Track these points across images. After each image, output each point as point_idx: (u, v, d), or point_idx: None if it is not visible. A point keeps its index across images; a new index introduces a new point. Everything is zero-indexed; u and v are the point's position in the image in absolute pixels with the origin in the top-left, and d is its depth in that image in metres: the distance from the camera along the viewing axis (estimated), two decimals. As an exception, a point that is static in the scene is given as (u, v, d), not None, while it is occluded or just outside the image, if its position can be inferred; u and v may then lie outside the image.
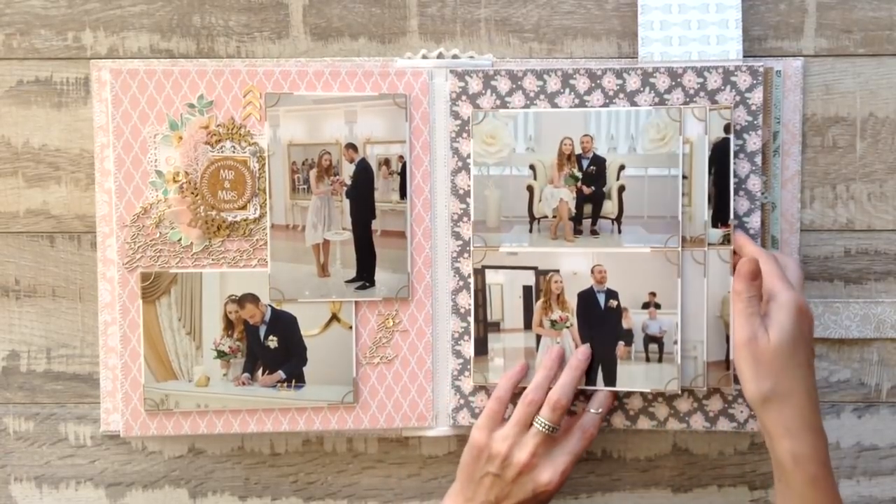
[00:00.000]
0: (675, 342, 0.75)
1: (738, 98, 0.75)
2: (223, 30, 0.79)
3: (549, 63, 0.78)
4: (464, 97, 0.77)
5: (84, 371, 0.80)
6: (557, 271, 0.76)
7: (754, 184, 0.76)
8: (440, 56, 0.78)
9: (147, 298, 0.76)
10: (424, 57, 0.78)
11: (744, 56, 0.77)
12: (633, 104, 0.76)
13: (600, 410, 0.75)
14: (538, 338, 0.77)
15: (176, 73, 0.76)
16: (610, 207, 0.76)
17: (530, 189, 0.76)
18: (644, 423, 0.77)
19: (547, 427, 0.72)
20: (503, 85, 0.76)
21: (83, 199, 0.79)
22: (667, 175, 0.75)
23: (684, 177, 0.75)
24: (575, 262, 0.76)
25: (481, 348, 0.77)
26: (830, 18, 0.78)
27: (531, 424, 0.73)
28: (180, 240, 0.76)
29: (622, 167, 0.76)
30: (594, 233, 0.76)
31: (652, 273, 0.75)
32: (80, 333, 0.80)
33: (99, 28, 0.79)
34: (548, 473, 0.72)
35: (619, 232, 0.76)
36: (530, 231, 0.76)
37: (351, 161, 0.76)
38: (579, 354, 0.75)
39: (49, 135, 0.79)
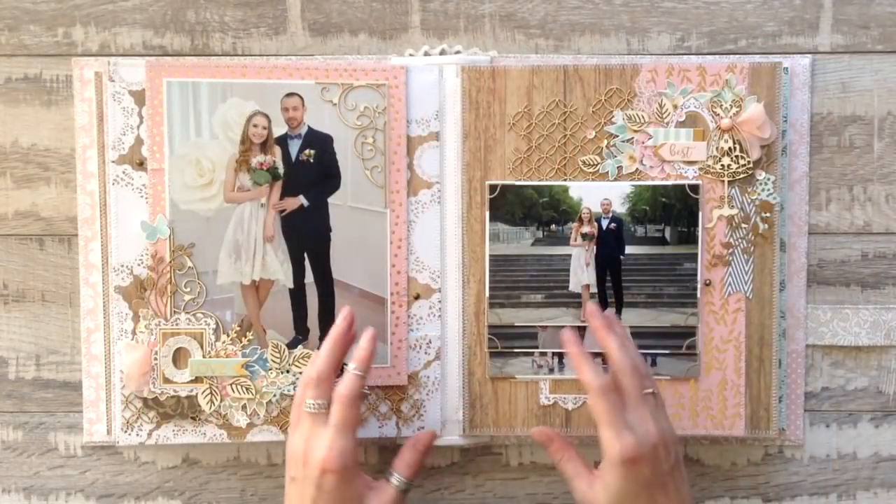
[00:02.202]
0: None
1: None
2: (218, 25, 0.77)
3: (551, 59, 0.76)
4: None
5: (74, 379, 0.78)
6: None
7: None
8: (443, 53, 0.77)
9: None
10: (426, 54, 0.77)
11: (758, 53, 0.75)
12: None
13: (355, 367, 0.68)
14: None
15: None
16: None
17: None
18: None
19: (311, 406, 0.67)
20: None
21: (74, 201, 0.77)
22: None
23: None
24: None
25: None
26: (847, 14, 0.76)
27: None
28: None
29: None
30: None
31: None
32: (70, 340, 0.78)
33: (90, 24, 0.77)
34: (317, 454, 0.66)
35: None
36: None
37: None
38: (339, 319, 0.70)
39: (38, 134, 0.77)
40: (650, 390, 0.67)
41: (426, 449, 0.72)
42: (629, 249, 0.76)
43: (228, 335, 0.76)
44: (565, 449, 0.71)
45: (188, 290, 0.75)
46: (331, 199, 0.76)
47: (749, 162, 0.74)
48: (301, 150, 0.75)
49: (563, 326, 0.76)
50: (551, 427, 0.75)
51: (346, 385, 0.67)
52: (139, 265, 0.75)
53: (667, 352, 0.76)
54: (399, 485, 0.70)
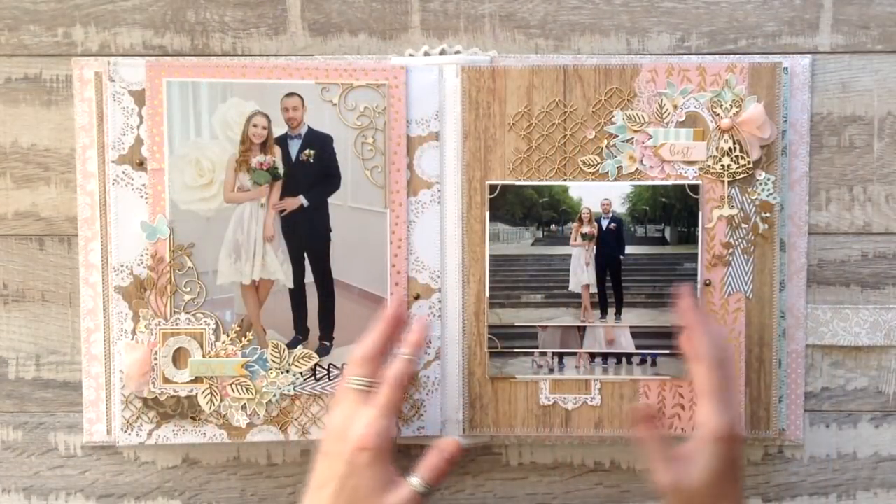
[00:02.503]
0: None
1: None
2: (218, 25, 0.77)
3: (551, 59, 0.76)
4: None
5: (74, 379, 0.78)
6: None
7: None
8: (443, 53, 0.77)
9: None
10: (426, 54, 0.77)
11: (758, 53, 0.75)
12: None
13: (406, 352, 0.68)
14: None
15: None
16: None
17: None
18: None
19: (354, 382, 0.67)
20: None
21: (73, 201, 0.77)
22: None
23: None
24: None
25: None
26: (847, 14, 0.76)
27: None
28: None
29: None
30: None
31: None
32: (69, 339, 0.78)
33: (90, 24, 0.77)
34: (356, 430, 0.65)
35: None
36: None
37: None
38: (391, 304, 0.71)
39: (38, 134, 0.77)
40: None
41: (453, 458, 0.69)
42: (629, 249, 0.76)
43: (228, 335, 0.76)
44: (657, 431, 0.69)
45: (188, 290, 0.75)
46: (331, 199, 0.76)
47: (749, 162, 0.74)
48: (301, 150, 0.75)
49: (562, 327, 0.76)
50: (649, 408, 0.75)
51: (395, 367, 0.67)
52: (139, 265, 0.75)
53: (667, 352, 0.76)
54: (419, 489, 0.67)
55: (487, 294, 0.76)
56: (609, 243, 0.76)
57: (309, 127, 0.75)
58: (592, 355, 0.76)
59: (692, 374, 0.68)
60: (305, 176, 0.75)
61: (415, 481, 0.67)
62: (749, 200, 0.75)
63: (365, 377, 0.67)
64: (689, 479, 0.66)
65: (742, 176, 0.75)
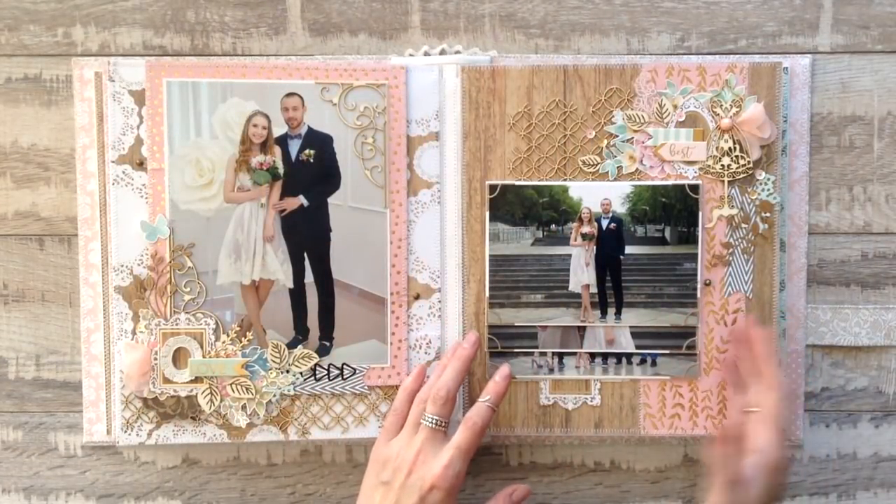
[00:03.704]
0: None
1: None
2: (218, 25, 0.77)
3: (551, 59, 0.76)
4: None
5: (74, 379, 0.78)
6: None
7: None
8: (443, 52, 0.77)
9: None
10: (426, 54, 0.77)
11: (758, 53, 0.75)
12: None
13: (489, 400, 0.71)
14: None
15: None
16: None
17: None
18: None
19: (432, 421, 0.69)
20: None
21: (73, 201, 0.77)
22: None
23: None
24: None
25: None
26: (847, 14, 0.76)
27: None
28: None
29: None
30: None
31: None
32: (69, 340, 0.78)
33: (90, 24, 0.77)
34: (430, 469, 0.67)
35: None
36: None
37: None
38: (465, 343, 0.74)
39: (38, 134, 0.77)
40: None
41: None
42: (629, 249, 0.76)
43: (228, 335, 0.76)
44: (732, 451, 0.69)
45: (188, 290, 0.75)
46: (331, 199, 0.76)
47: (749, 162, 0.74)
48: (301, 150, 0.75)
49: (562, 327, 0.76)
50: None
51: (479, 415, 0.70)
52: (139, 265, 0.75)
53: (667, 352, 0.76)
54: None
55: (487, 294, 0.76)
56: (609, 243, 0.76)
57: (309, 127, 0.75)
58: (592, 355, 0.76)
59: (760, 398, 0.69)
60: (305, 176, 0.75)
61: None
62: (749, 200, 0.75)
63: (441, 416, 0.69)
64: (743, 502, 0.66)
65: (742, 176, 0.75)
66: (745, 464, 0.67)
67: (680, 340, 0.76)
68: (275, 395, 0.76)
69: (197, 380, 0.76)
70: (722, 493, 0.67)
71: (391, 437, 0.71)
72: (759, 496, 0.66)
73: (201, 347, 0.76)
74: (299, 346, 0.76)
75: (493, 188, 0.76)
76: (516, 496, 0.73)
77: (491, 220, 0.76)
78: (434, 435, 0.69)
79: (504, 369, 0.73)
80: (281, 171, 0.75)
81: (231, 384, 0.76)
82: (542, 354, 0.76)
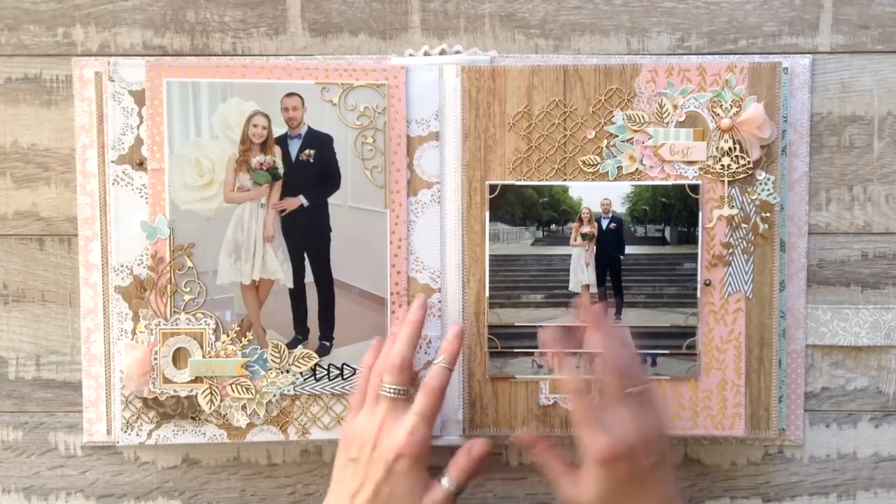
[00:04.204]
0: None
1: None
2: (218, 25, 0.77)
3: (551, 59, 0.76)
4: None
5: (74, 379, 0.78)
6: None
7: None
8: (443, 52, 0.77)
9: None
10: (426, 54, 0.77)
11: (758, 53, 0.75)
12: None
13: (443, 359, 0.69)
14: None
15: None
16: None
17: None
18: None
19: (391, 391, 0.68)
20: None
21: (73, 201, 0.77)
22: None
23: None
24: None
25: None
26: (847, 14, 0.76)
27: None
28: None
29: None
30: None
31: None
32: (69, 340, 0.78)
33: (90, 24, 0.77)
34: (394, 439, 0.66)
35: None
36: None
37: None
38: (413, 307, 0.73)
39: (38, 134, 0.77)
40: (636, 389, 0.67)
41: (481, 459, 0.70)
42: (629, 249, 0.76)
43: (228, 335, 0.76)
44: (549, 451, 0.70)
45: (188, 290, 0.75)
46: (331, 199, 0.76)
47: (749, 162, 0.74)
48: (301, 150, 0.75)
49: (562, 326, 0.76)
50: (542, 428, 0.76)
51: (435, 377, 0.68)
52: (139, 265, 0.75)
53: (667, 352, 0.76)
54: (451, 488, 0.68)
55: (487, 294, 0.76)
56: (609, 243, 0.76)
57: (309, 127, 0.75)
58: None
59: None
60: (305, 176, 0.75)
61: (445, 482, 0.68)
62: (749, 200, 0.75)
63: (400, 385, 0.68)
64: (581, 499, 0.66)
65: (742, 176, 0.75)
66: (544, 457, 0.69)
67: (680, 340, 0.76)
68: (275, 395, 0.76)
69: (197, 380, 0.76)
70: (561, 490, 0.68)
71: (356, 415, 0.70)
72: (593, 491, 0.65)
73: (201, 347, 0.76)
74: (299, 346, 0.76)
75: (493, 188, 0.76)
76: (475, 451, 0.69)
77: (491, 220, 0.76)
78: (395, 405, 0.68)
79: (455, 328, 0.71)
80: (281, 171, 0.75)
81: (231, 384, 0.76)
82: (542, 354, 0.76)
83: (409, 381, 0.69)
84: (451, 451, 0.79)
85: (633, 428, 0.65)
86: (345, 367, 0.76)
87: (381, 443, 0.66)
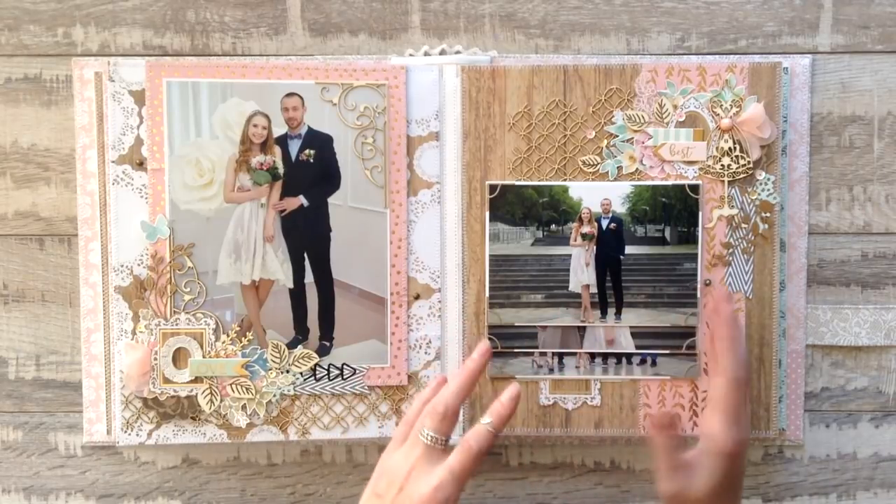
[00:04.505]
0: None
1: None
2: (218, 25, 0.77)
3: (551, 59, 0.76)
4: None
5: (74, 379, 0.78)
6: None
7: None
8: (443, 52, 0.77)
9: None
10: (426, 54, 0.77)
11: (758, 53, 0.75)
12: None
13: (490, 423, 0.64)
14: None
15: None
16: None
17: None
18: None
19: (428, 437, 0.63)
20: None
21: (73, 201, 0.77)
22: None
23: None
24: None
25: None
26: (847, 14, 0.76)
27: None
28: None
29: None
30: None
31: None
32: (70, 340, 0.78)
33: (90, 24, 0.77)
34: (419, 489, 0.62)
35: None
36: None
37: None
38: (475, 353, 0.67)
39: (38, 134, 0.77)
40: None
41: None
42: (629, 249, 0.76)
43: (228, 335, 0.76)
44: (675, 437, 0.67)
45: (188, 290, 0.75)
46: (331, 199, 0.76)
47: (749, 162, 0.74)
48: (301, 150, 0.75)
49: (562, 327, 0.76)
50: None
51: (476, 438, 0.63)
52: (139, 265, 0.75)
53: (667, 352, 0.76)
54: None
55: (487, 294, 0.76)
56: (609, 243, 0.76)
57: (309, 127, 0.75)
58: (592, 355, 0.76)
59: (710, 385, 0.69)
60: (305, 176, 0.75)
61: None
62: (749, 200, 0.75)
63: (439, 434, 0.63)
64: (690, 489, 0.66)
65: (742, 176, 0.75)
66: (695, 449, 0.67)
67: (680, 340, 0.76)
68: (275, 395, 0.76)
69: (197, 380, 0.76)
70: (666, 479, 0.66)
71: (398, 447, 0.66)
72: (708, 483, 0.65)
73: (201, 347, 0.76)
74: (299, 346, 0.76)
75: (493, 188, 0.76)
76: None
77: (491, 220, 0.76)
78: (430, 452, 0.63)
79: (512, 390, 0.65)
80: (281, 171, 0.75)
81: (231, 384, 0.76)
82: (542, 354, 0.76)
83: (450, 431, 0.64)
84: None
85: (749, 433, 0.68)
86: (345, 367, 0.76)
87: (406, 488, 0.62)
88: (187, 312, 0.75)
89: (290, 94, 0.75)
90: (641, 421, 0.76)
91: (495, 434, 0.64)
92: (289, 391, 0.76)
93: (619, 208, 0.75)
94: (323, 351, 0.76)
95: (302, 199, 0.76)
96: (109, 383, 0.77)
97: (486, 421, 0.64)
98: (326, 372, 0.76)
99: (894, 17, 0.76)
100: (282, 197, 0.75)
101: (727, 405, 0.66)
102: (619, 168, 0.75)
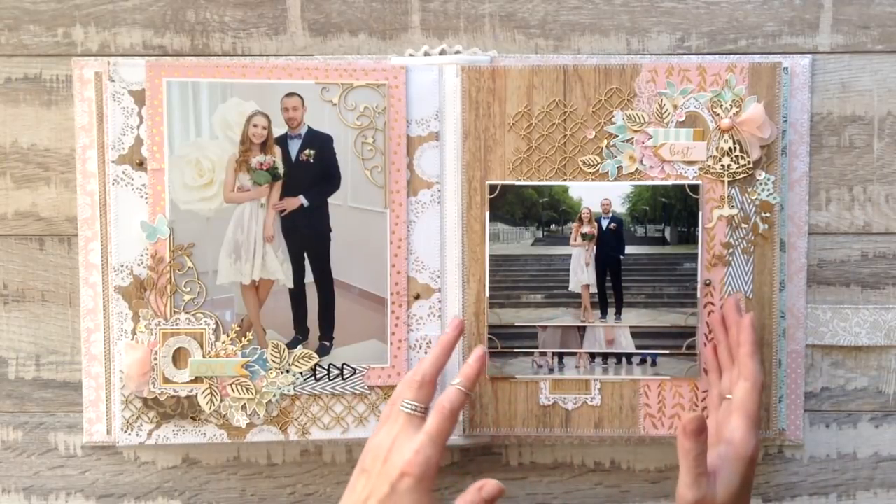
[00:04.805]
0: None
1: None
2: (218, 25, 0.77)
3: (551, 59, 0.76)
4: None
5: (74, 379, 0.78)
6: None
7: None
8: (443, 52, 0.77)
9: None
10: (426, 54, 0.77)
11: (758, 53, 0.75)
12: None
13: (460, 382, 0.68)
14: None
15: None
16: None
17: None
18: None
19: (408, 406, 0.67)
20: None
21: (73, 201, 0.77)
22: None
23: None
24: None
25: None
26: (847, 14, 0.76)
27: None
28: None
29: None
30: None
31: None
32: (69, 340, 0.78)
33: (90, 24, 0.77)
34: (402, 456, 0.65)
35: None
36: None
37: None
38: (448, 327, 0.72)
39: (38, 134, 0.77)
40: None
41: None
42: (629, 249, 0.76)
43: (228, 335, 0.76)
44: (704, 444, 0.66)
45: (188, 290, 0.75)
46: (331, 199, 0.76)
47: (749, 162, 0.74)
48: (301, 150, 0.75)
49: (562, 327, 0.76)
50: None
51: (449, 398, 0.67)
52: (139, 265, 0.75)
53: (667, 352, 0.76)
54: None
55: (487, 294, 0.76)
56: (609, 243, 0.76)
57: (309, 127, 0.75)
58: (592, 355, 0.76)
59: (734, 390, 0.69)
60: (305, 176, 0.75)
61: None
62: (749, 200, 0.75)
63: (418, 402, 0.67)
64: (712, 495, 0.66)
65: (742, 176, 0.75)
66: (713, 454, 0.67)
67: (680, 340, 0.76)
68: (275, 395, 0.76)
69: (197, 380, 0.76)
70: (691, 485, 0.65)
71: (383, 427, 0.69)
72: (728, 489, 0.66)
73: (201, 347, 0.76)
74: (299, 346, 0.76)
75: (493, 188, 0.76)
76: (486, 492, 0.66)
77: (491, 220, 0.76)
78: (411, 421, 0.67)
79: (478, 351, 0.70)
80: (281, 171, 0.75)
81: (231, 384, 0.76)
82: (542, 354, 0.76)
83: (429, 398, 0.68)
84: (452, 451, 0.79)
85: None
86: (345, 367, 0.76)
87: (390, 458, 0.66)
88: (187, 312, 0.75)
89: (290, 94, 0.75)
90: (641, 421, 0.76)
91: (466, 393, 0.68)
92: (289, 391, 0.76)
93: (619, 208, 0.75)
94: (323, 351, 0.76)
95: (302, 199, 0.76)
96: (109, 383, 0.77)
97: (457, 381, 0.68)
98: (326, 372, 0.76)
99: (894, 17, 0.76)
100: (282, 197, 0.75)
101: (751, 410, 0.68)
102: (619, 168, 0.75)
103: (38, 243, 0.78)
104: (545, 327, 0.76)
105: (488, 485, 0.66)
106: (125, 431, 0.75)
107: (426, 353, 0.76)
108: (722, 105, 0.74)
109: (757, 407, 0.68)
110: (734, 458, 0.66)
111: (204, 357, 0.76)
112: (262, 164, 0.75)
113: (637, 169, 0.75)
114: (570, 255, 0.76)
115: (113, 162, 0.75)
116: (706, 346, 0.75)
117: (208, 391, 0.75)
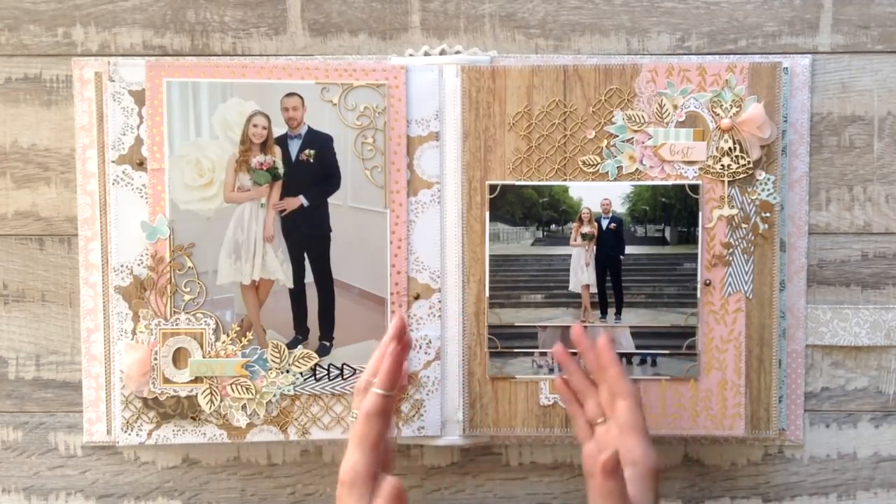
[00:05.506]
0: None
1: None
2: (218, 25, 0.77)
3: (551, 59, 0.76)
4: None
5: (74, 379, 0.78)
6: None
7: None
8: (443, 53, 0.77)
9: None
10: (426, 54, 0.77)
11: (758, 53, 0.75)
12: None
13: (376, 384, 0.65)
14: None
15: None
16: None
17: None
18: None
19: (353, 415, 0.66)
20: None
21: (73, 201, 0.77)
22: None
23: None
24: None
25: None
26: (847, 14, 0.76)
27: None
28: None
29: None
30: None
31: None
32: (69, 340, 0.78)
33: (90, 24, 0.77)
34: (342, 463, 0.64)
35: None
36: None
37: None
38: (388, 335, 0.68)
39: (38, 134, 0.77)
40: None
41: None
42: (629, 249, 0.76)
43: (228, 335, 0.76)
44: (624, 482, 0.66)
45: (188, 290, 0.75)
46: (331, 199, 0.76)
47: (749, 162, 0.74)
48: (301, 150, 0.75)
49: (562, 326, 0.76)
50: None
51: (366, 402, 0.65)
52: (139, 265, 0.75)
53: (667, 352, 0.76)
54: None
55: (487, 294, 0.76)
56: (609, 243, 0.76)
57: (309, 127, 0.75)
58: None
59: (615, 411, 0.68)
60: (305, 176, 0.75)
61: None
62: (749, 200, 0.75)
63: (357, 408, 0.67)
64: None
65: (742, 176, 0.75)
66: (625, 479, 0.64)
67: (680, 340, 0.76)
68: (275, 395, 0.76)
69: (197, 380, 0.76)
70: None
71: None
72: (648, 501, 0.66)
73: (201, 347, 0.76)
74: (299, 346, 0.76)
75: (493, 188, 0.76)
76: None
77: (491, 220, 0.76)
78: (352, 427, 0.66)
79: (392, 344, 0.67)
80: (281, 171, 0.75)
81: (231, 384, 0.76)
82: (542, 354, 0.76)
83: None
84: (452, 451, 0.79)
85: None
86: (345, 367, 0.76)
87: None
88: (187, 312, 0.75)
89: (290, 94, 0.75)
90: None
91: (384, 395, 0.65)
92: (289, 391, 0.76)
93: (619, 208, 0.75)
94: (323, 351, 0.76)
95: (302, 199, 0.76)
96: (109, 383, 0.77)
97: (375, 382, 0.65)
98: (326, 372, 0.76)
99: (894, 17, 0.76)
100: (282, 197, 0.75)
101: (640, 424, 0.67)
102: (619, 168, 0.75)
103: (38, 243, 0.78)
104: (545, 327, 0.76)
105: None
106: (125, 431, 0.75)
107: (426, 352, 0.76)
108: (722, 105, 0.74)
109: (643, 420, 0.68)
110: (643, 477, 0.66)
111: (204, 357, 0.76)
112: (262, 164, 0.75)
113: (637, 169, 0.75)
114: (570, 255, 0.76)
115: (113, 162, 0.75)
116: (555, 382, 0.74)
117: (208, 391, 0.76)
